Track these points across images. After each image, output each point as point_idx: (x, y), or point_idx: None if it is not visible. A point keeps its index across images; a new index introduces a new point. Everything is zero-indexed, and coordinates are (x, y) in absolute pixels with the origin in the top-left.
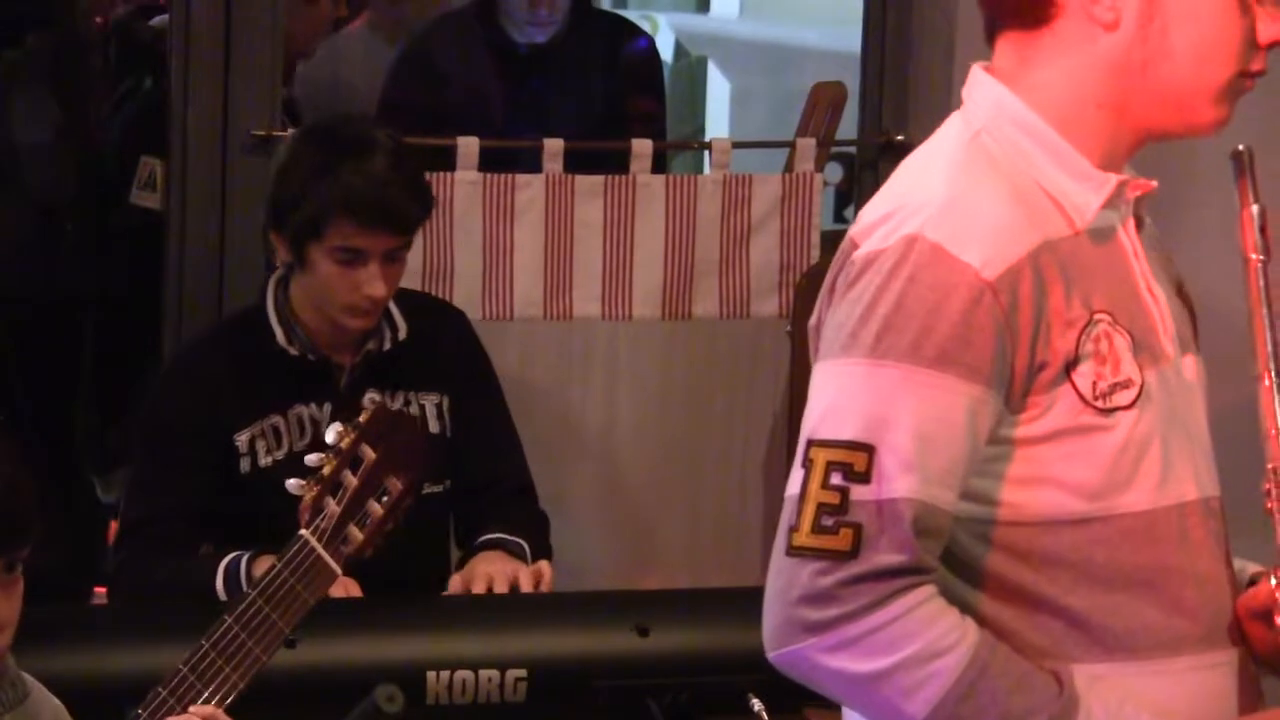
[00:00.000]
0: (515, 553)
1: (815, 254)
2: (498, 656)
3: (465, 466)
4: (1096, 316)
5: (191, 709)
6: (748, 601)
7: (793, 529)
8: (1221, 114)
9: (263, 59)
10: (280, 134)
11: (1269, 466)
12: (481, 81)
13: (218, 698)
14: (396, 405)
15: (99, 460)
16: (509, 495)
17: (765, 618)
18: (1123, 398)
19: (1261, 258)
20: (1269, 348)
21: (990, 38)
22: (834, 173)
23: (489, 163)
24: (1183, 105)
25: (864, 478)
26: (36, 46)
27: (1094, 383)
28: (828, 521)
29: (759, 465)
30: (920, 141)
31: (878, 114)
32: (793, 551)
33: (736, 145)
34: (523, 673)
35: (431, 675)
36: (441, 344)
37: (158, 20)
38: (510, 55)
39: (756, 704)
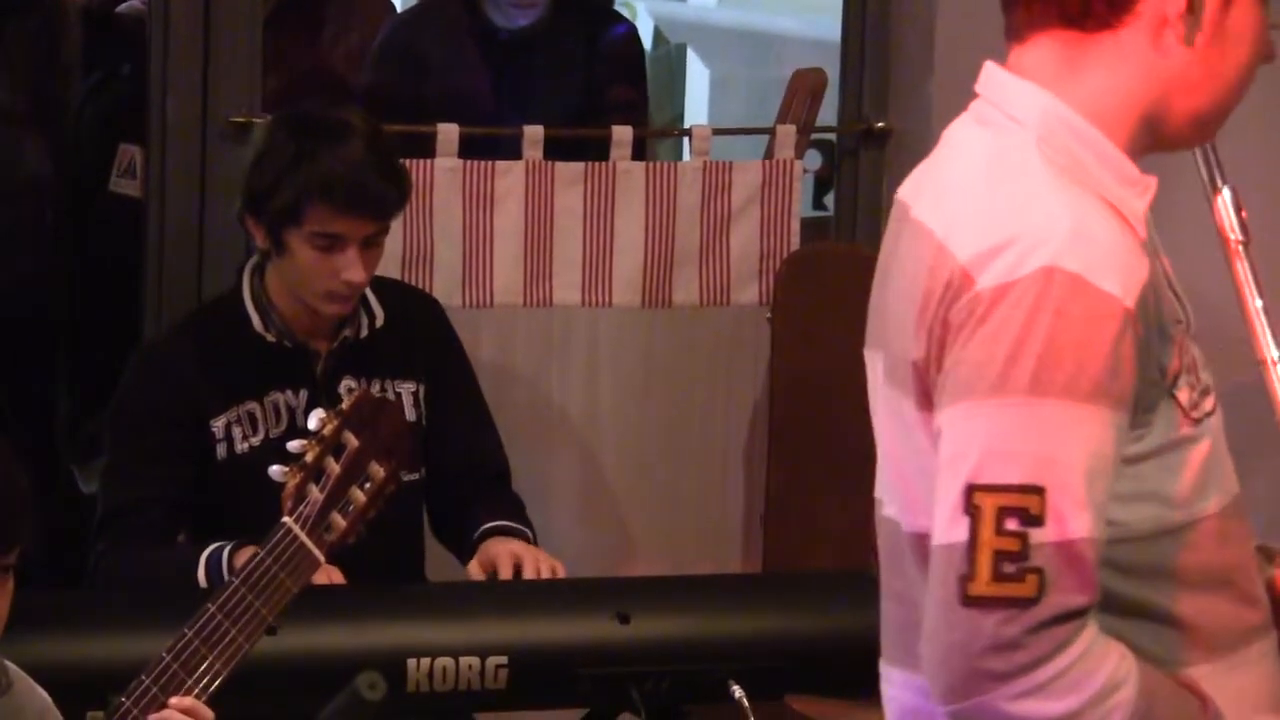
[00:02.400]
0: (524, 541)
1: (795, 241)
2: (479, 644)
3: (442, 454)
4: (1176, 329)
5: (171, 701)
6: (728, 589)
7: (966, 578)
8: (1217, 131)
9: (242, 45)
10: (260, 120)
11: None
12: (463, 67)
13: (200, 685)
14: (378, 394)
15: (78, 450)
16: (487, 481)
17: (940, 672)
18: (1208, 405)
19: (1242, 239)
20: (1264, 330)
21: (1020, 34)
22: (814, 160)
23: (469, 149)
24: (1208, 124)
25: (1039, 520)
26: (16, 30)
27: (1190, 395)
28: (1009, 569)
29: (739, 452)
30: (900, 128)
31: (857, 101)
32: (971, 601)
33: (716, 132)
34: (503, 660)
35: (412, 663)
36: (418, 332)
37: (124, 6)
38: (492, 41)
39: (737, 690)
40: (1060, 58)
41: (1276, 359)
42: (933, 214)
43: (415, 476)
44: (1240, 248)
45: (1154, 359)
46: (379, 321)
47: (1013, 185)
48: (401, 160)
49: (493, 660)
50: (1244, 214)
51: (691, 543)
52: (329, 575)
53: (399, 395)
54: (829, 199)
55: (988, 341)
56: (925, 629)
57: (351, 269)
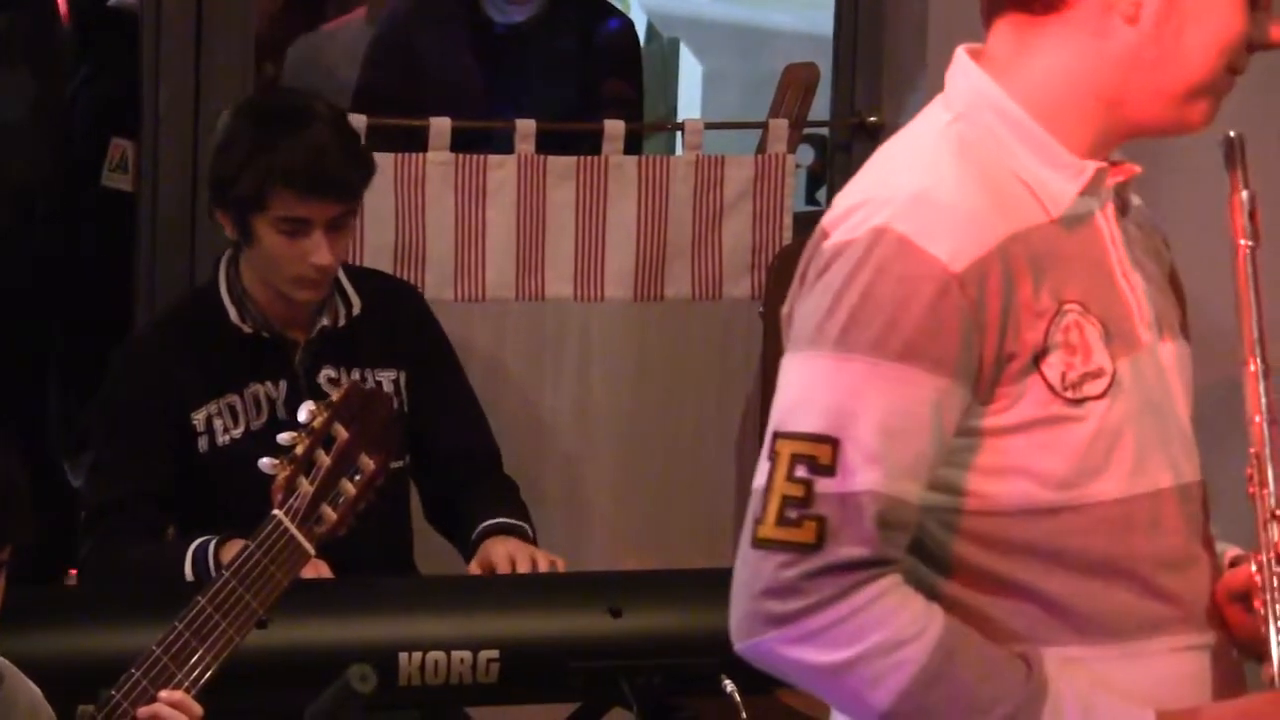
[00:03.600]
0: (523, 537)
1: (787, 235)
2: (470, 637)
3: (429, 441)
4: (1066, 307)
5: (160, 695)
6: (720, 583)
7: (758, 521)
8: (1210, 111)
9: (234, 38)
10: None
11: (1251, 451)
12: (458, 61)
13: (191, 678)
14: (368, 386)
15: (69, 444)
16: (479, 467)
17: (732, 609)
18: (1093, 387)
19: (1250, 243)
20: (1255, 333)
21: (985, 19)
22: (806, 154)
23: (461, 143)
24: (1180, 103)
25: (828, 470)
26: (11, 24)
27: (1063, 373)
28: (792, 514)
29: (731, 446)
30: (892, 122)
31: (850, 95)
32: (757, 543)
33: (709, 126)
34: (495, 654)
35: (404, 656)
36: (397, 320)
37: (114, 0)
38: (487, 35)
39: (729, 685)
40: (1015, 41)
41: (1259, 370)
42: (846, 190)
43: (399, 464)
44: (1249, 251)
45: (1001, 329)
46: (356, 310)
47: (889, 155)
48: (365, 144)
49: (484, 654)
50: (1258, 219)
51: (683, 536)
52: (316, 569)
53: (380, 384)
54: (821, 193)
55: (817, 296)
56: None
57: (318, 253)
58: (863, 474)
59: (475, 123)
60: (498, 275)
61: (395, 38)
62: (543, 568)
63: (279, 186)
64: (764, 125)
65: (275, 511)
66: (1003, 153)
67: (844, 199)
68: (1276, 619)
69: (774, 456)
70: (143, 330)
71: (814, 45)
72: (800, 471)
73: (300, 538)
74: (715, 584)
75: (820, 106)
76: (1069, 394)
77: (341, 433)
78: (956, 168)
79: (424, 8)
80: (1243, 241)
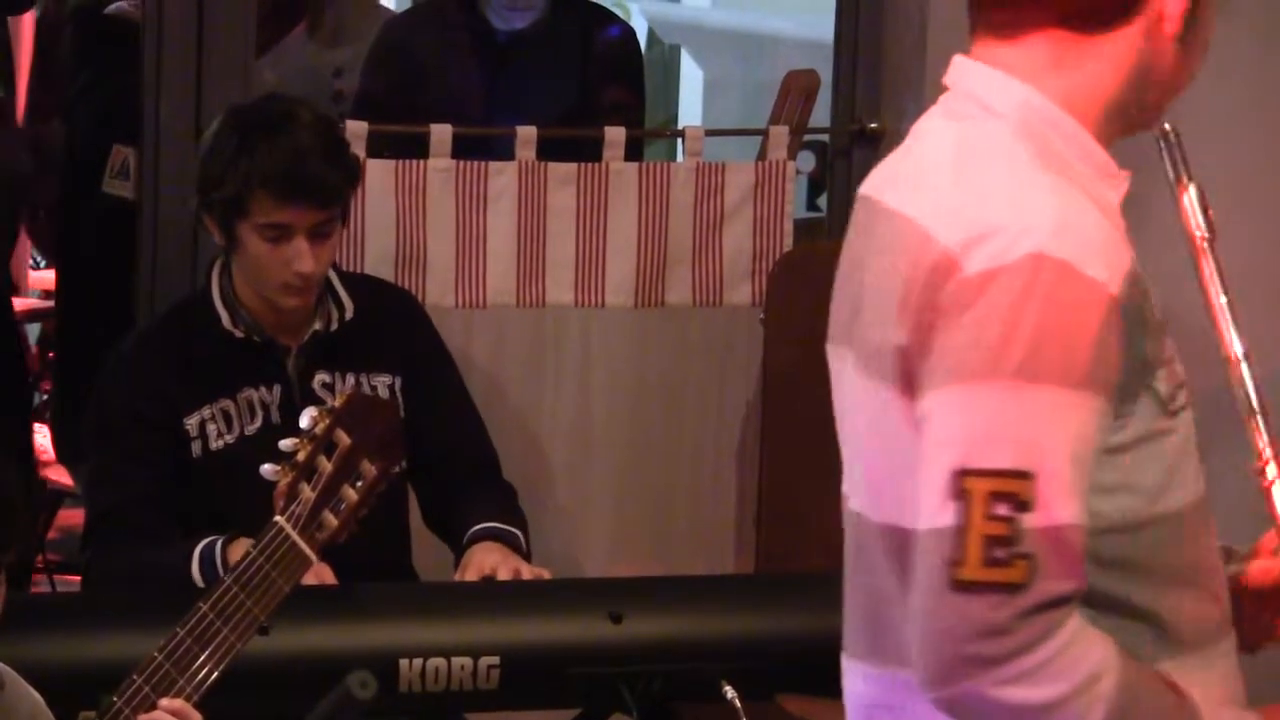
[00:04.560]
0: (511, 544)
1: (788, 242)
2: (471, 643)
3: (425, 445)
4: (1157, 318)
5: (161, 703)
6: (720, 589)
7: (956, 563)
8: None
9: (235, 46)
10: None
11: (1261, 445)
12: (459, 68)
13: (193, 685)
14: (346, 387)
15: (72, 450)
16: (476, 471)
17: (927, 658)
18: (1182, 398)
19: (1207, 236)
20: (1230, 328)
21: (1006, 31)
22: (807, 161)
23: (462, 150)
24: (1163, 109)
25: (1029, 506)
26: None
27: (1167, 387)
28: (1000, 554)
29: (732, 453)
30: (893, 129)
31: (850, 102)
32: (960, 586)
33: (709, 133)
34: (495, 660)
35: (404, 662)
36: (390, 324)
37: (113, 7)
38: (488, 42)
39: (729, 691)
40: (1050, 55)
41: (1240, 356)
42: (911, 203)
43: (396, 468)
44: (1206, 244)
45: (1135, 348)
46: (349, 314)
47: (996, 173)
48: (352, 151)
49: (485, 660)
50: (1210, 211)
51: (684, 543)
52: (319, 575)
53: (374, 388)
54: (822, 200)
55: (976, 326)
56: (912, 615)
57: (301, 259)
58: (1064, 507)
59: (476, 129)
60: (498, 282)
61: (396, 44)
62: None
63: (258, 190)
64: (764, 132)
65: (277, 518)
66: (1064, 166)
67: (965, 224)
68: None
69: (964, 495)
70: (134, 336)
71: (814, 52)
72: (1001, 509)
73: (302, 544)
74: (715, 590)
75: (821, 113)
76: (1171, 406)
77: (343, 439)
78: (1065, 186)
79: (425, 15)
80: (1200, 235)
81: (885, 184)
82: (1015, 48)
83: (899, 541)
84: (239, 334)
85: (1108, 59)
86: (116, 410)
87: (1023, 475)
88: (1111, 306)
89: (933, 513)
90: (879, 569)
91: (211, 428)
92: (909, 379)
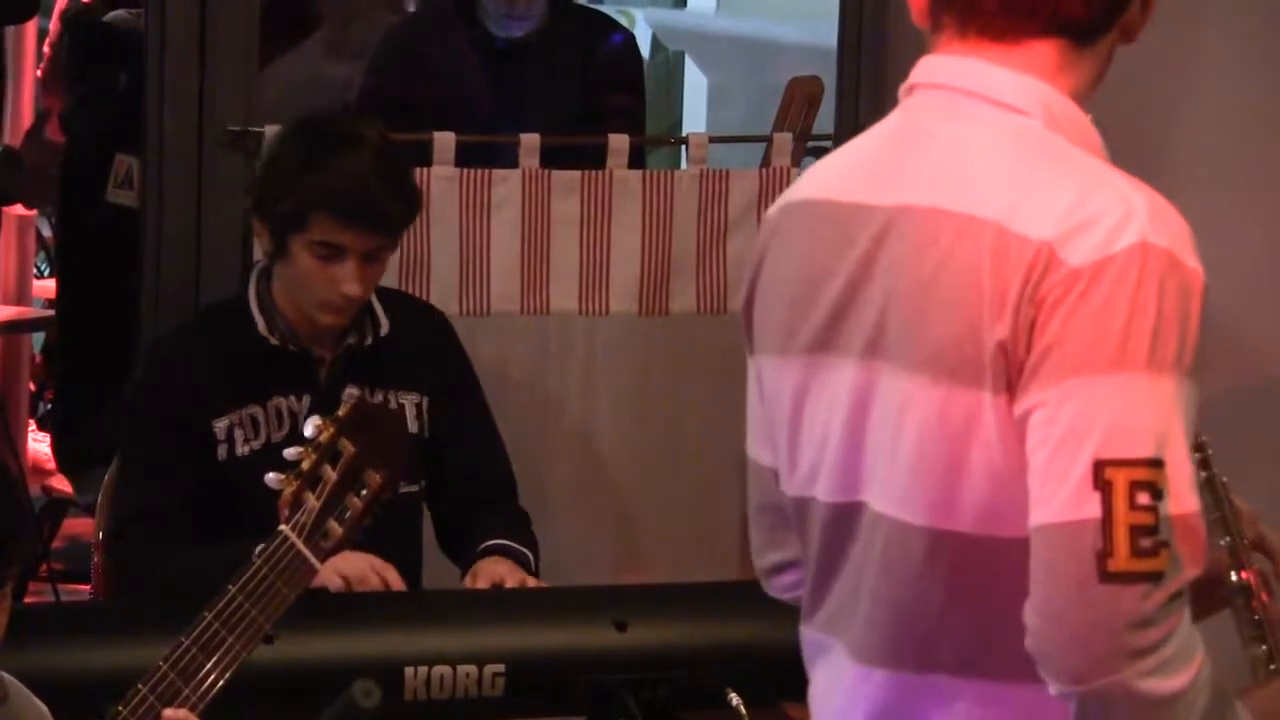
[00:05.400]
0: (520, 561)
1: None
2: (476, 651)
3: (445, 467)
4: None
5: (165, 713)
6: (726, 596)
7: (1106, 555)
8: None
9: (238, 53)
10: (257, 129)
11: (1201, 439)
12: (460, 75)
13: (198, 694)
14: (376, 401)
15: (73, 459)
16: (492, 497)
17: (1075, 652)
18: None
19: None
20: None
21: (1005, 36)
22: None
23: (466, 158)
24: None
25: (1164, 495)
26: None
27: None
28: (1145, 543)
29: (736, 460)
30: None
31: (854, 109)
32: (1111, 578)
33: (713, 140)
34: (501, 668)
35: (409, 670)
36: (422, 344)
37: (111, 15)
38: (488, 50)
39: (734, 698)
40: (1056, 60)
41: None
42: (971, 202)
43: (415, 488)
44: None
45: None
46: (384, 330)
47: (1066, 165)
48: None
49: (490, 668)
50: None
51: (689, 550)
52: (387, 578)
53: (401, 405)
54: None
55: (1095, 317)
56: (1046, 610)
57: (349, 282)
58: (1190, 494)
59: (480, 137)
60: (502, 289)
61: (396, 52)
62: None
63: (320, 210)
64: (768, 139)
65: (282, 527)
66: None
67: (1055, 216)
68: None
69: (1105, 485)
70: (170, 334)
71: (818, 58)
72: (1143, 499)
73: (307, 553)
74: (720, 597)
75: (825, 120)
76: None
77: (348, 448)
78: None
79: (426, 22)
80: None
81: (882, 185)
82: (1019, 51)
83: (951, 545)
84: (274, 341)
85: (1092, 62)
86: (151, 409)
87: (1157, 464)
88: (1204, 295)
89: (1069, 504)
90: (915, 573)
91: (239, 433)
92: (1006, 375)
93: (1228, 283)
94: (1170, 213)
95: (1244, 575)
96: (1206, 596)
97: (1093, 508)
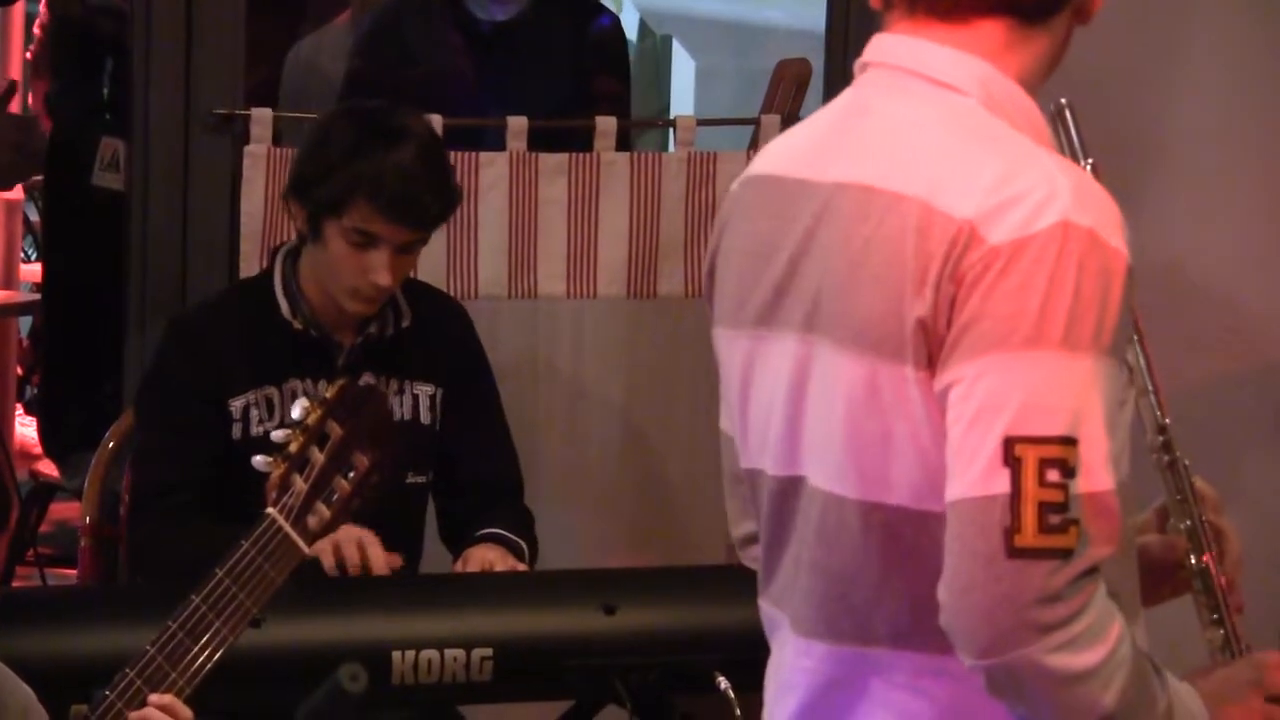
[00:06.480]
0: (513, 550)
1: None
2: (463, 636)
3: (455, 462)
4: None
5: (150, 699)
6: (714, 580)
7: (1013, 531)
8: None
9: (225, 37)
10: (243, 113)
11: (1164, 422)
12: (445, 59)
13: (185, 678)
14: (392, 391)
15: (60, 443)
16: (497, 493)
17: (981, 626)
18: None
19: None
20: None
21: (954, 14)
22: None
23: (452, 141)
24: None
25: (1075, 473)
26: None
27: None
28: (1054, 520)
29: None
30: None
31: (842, 91)
32: (1017, 553)
33: (701, 123)
34: (488, 652)
35: (397, 655)
36: (442, 337)
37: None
38: (473, 33)
39: (723, 682)
40: (1002, 39)
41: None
42: (903, 179)
43: (422, 479)
44: None
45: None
46: (405, 321)
47: (995, 145)
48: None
49: (478, 652)
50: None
51: (677, 534)
52: (390, 562)
53: (416, 397)
54: None
55: (1013, 295)
56: (956, 585)
57: (380, 272)
58: (1104, 473)
59: (466, 120)
60: (490, 273)
61: (382, 34)
62: None
63: (362, 199)
64: (756, 121)
65: (269, 510)
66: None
67: (978, 195)
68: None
69: (1015, 462)
70: (193, 310)
71: (806, 41)
72: (1052, 475)
73: (294, 536)
74: (708, 581)
75: (813, 102)
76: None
77: (335, 430)
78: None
79: (411, 5)
80: None
81: (825, 163)
82: (965, 31)
83: (883, 518)
84: (296, 325)
85: (1044, 43)
86: (171, 384)
87: (1070, 442)
88: (1129, 274)
89: (980, 480)
90: (850, 547)
91: (254, 413)
92: (927, 350)
93: (1220, 274)
94: (1097, 193)
95: (1204, 559)
96: (1166, 580)
97: (1002, 484)
